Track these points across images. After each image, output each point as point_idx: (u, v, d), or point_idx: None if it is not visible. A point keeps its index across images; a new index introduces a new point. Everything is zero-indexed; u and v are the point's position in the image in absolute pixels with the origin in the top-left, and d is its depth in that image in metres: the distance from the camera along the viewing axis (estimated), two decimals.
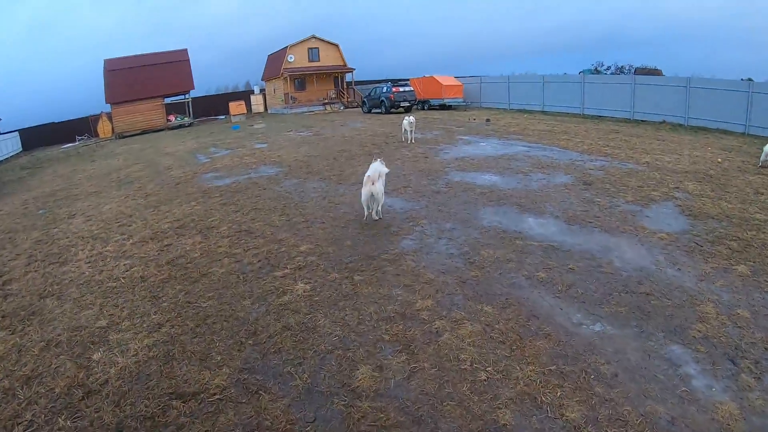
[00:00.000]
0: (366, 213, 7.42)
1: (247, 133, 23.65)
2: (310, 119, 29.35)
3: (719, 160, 11.43)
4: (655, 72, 34.08)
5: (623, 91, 20.95)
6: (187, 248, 6.99)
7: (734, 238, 6.39)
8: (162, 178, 13.35)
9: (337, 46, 39.33)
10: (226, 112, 37.68)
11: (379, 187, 7.10)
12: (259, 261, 6.18)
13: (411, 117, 15.77)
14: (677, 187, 8.86)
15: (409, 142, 15.33)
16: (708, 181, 9.34)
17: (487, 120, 21.84)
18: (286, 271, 5.69)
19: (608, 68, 40.57)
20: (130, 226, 8.67)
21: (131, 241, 7.70)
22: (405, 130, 15.60)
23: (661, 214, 7.37)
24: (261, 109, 40.52)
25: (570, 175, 9.82)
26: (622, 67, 39.19)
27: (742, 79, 25.11)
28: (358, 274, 5.35)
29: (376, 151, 14.04)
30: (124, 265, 6.62)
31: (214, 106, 41.79)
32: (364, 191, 7.08)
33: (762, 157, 10.84)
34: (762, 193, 8.62)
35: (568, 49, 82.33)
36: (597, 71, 39.42)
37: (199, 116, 38.97)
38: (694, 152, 12.62)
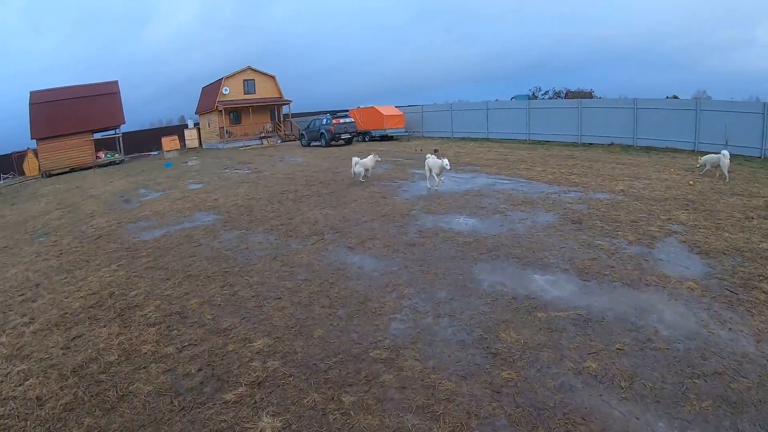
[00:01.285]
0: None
1: (181, 171, 22.08)
2: (246, 154, 28.01)
3: (691, 182, 11.17)
4: (588, 95, 35.61)
5: (569, 115, 21.11)
6: (101, 345, 5.22)
7: (760, 277, 5.75)
8: (82, 229, 11.39)
9: (273, 77, 38.73)
10: (159, 147, 35.79)
11: (358, 170, 13.83)
12: (199, 369, 4.56)
13: (437, 158, 12.22)
14: (669, 219, 8.25)
15: (436, 186, 12.10)
16: (694, 209, 8.86)
17: (435, 150, 21.14)
18: (240, 389, 4.11)
19: (545, 93, 42.15)
20: (34, 301, 6.83)
21: (32, 327, 5.90)
22: (433, 173, 12.12)
23: (671, 255, 6.59)
24: (195, 144, 38.97)
25: (552, 213, 8.98)
26: (559, 91, 40.76)
27: (667, 97, 26.44)
28: (347, 392, 3.87)
29: (325, 191, 12.71)
30: (18, 373, 4.81)
31: (146, 141, 39.76)
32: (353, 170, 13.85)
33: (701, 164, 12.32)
34: (752, 218, 8.24)
35: (501, 76, 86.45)
36: (534, 96, 40.68)
37: (130, 152, 37.00)
38: (661, 175, 12.38)
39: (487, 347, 4.37)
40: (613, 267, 6.17)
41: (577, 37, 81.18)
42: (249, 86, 37.61)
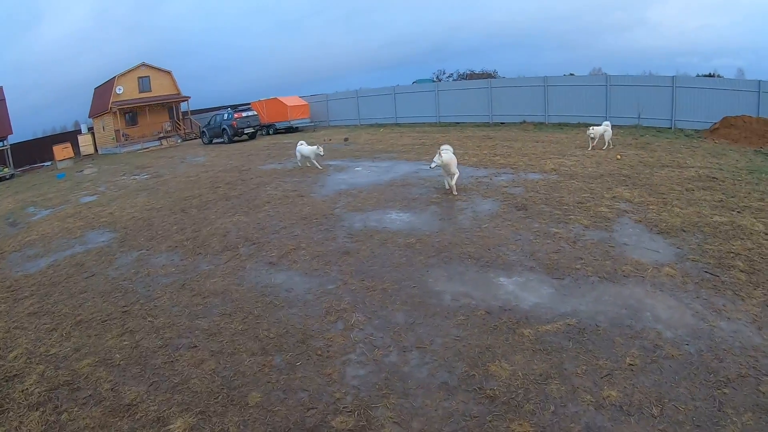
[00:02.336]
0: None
1: (74, 182, 19.46)
2: (145, 157, 25.50)
3: (618, 156, 11.30)
4: (491, 75, 36.58)
5: (480, 95, 21.19)
6: None
7: (731, 254, 5.59)
8: None
9: (169, 73, 36.68)
10: (53, 157, 32.11)
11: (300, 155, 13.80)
12: None
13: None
14: (614, 197, 8.04)
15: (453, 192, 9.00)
16: (633, 184, 8.82)
17: (346, 139, 20.30)
18: None
19: (450, 75, 42.65)
20: None
21: None
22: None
23: (633, 238, 6.25)
24: (91, 150, 36.07)
25: (492, 199, 8.42)
26: (463, 73, 41.42)
27: (564, 75, 27.75)
28: None
29: (233, 194, 11.20)
30: None
31: (38, 151, 35.68)
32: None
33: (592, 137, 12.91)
34: (692, 190, 8.32)
35: (399, 62, 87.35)
36: (438, 79, 41.02)
37: (21, 165, 32.97)
38: (585, 151, 12.51)
39: (480, 389, 3.48)
40: (581, 258, 5.63)
41: (473, 23, 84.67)
42: (144, 84, 35.26)
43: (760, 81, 13.84)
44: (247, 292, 5.64)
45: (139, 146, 32.84)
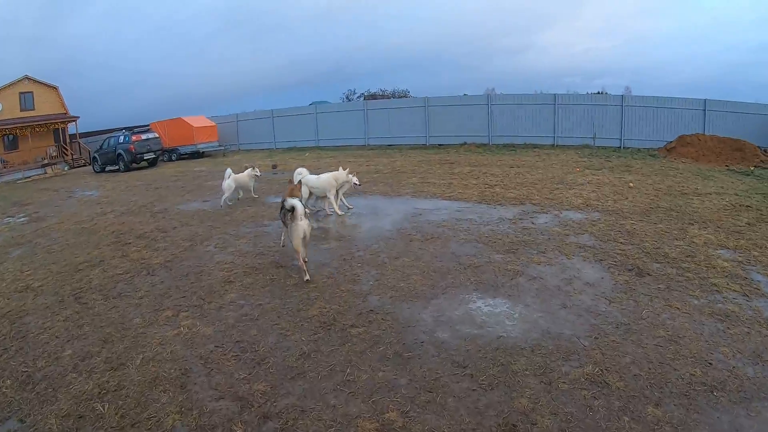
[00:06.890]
0: None
1: None
2: (26, 190, 19.81)
3: (631, 184, 10.61)
4: (404, 95, 35.50)
5: (415, 115, 19.78)
6: None
7: None
8: None
9: (56, 89, 31.01)
10: None
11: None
12: None
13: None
14: (705, 243, 7.00)
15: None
16: (695, 221, 7.98)
17: (274, 166, 17.53)
18: None
19: (360, 95, 40.32)
20: None
21: None
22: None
23: None
24: None
25: (580, 257, 6.61)
26: (374, 93, 39.26)
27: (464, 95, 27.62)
28: None
29: (157, 261, 7.48)
30: None
31: None
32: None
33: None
34: (754, 224, 7.78)
35: (298, 84, 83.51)
36: (348, 99, 38.91)
37: None
38: (587, 178, 11.71)
39: None
40: None
41: (372, 45, 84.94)
42: (27, 101, 29.50)
43: (705, 99, 14.43)
44: None
45: (20, 175, 26.86)
